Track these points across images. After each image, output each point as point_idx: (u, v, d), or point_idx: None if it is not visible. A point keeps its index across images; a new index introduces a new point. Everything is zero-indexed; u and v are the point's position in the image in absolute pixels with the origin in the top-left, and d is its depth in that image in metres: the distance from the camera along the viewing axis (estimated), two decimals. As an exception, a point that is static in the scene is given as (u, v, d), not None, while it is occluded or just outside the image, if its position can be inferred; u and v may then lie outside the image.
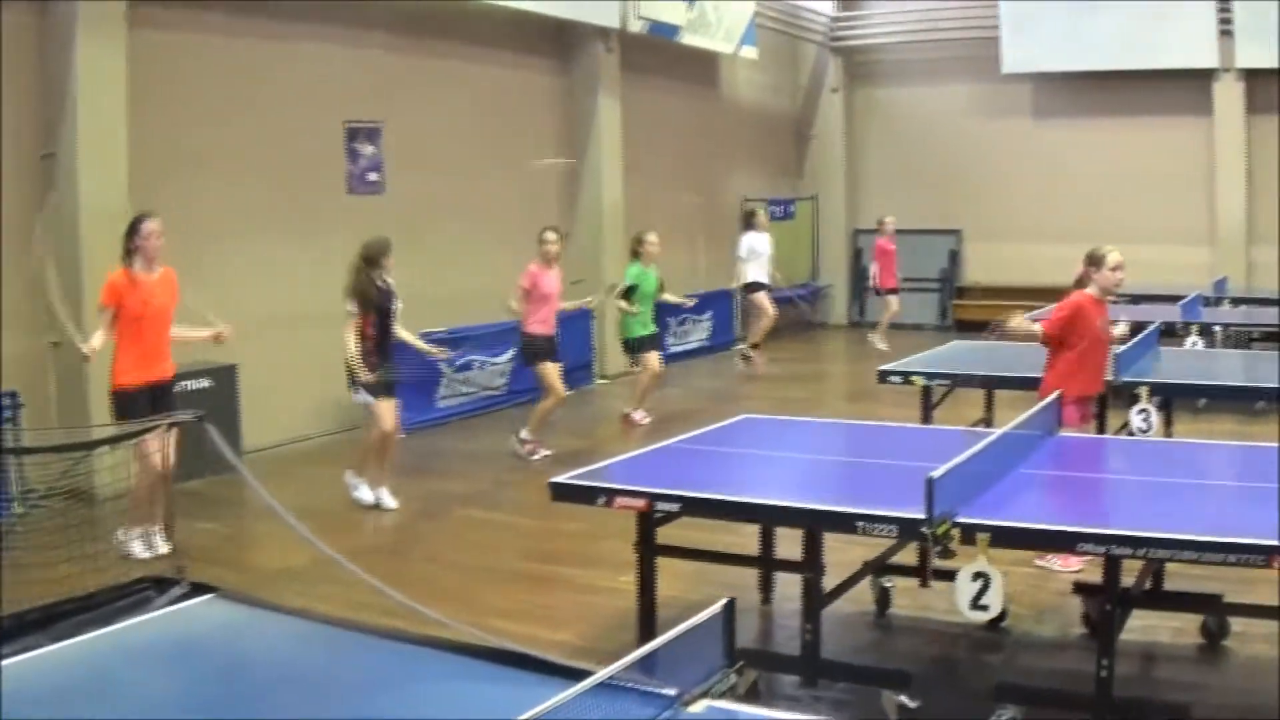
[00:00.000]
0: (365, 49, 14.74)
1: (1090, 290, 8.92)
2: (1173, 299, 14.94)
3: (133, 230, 9.31)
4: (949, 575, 7.47)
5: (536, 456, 12.92)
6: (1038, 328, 8.97)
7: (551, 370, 13.09)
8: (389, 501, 11.05)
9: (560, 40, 18.26)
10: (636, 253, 14.69)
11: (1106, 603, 5.81)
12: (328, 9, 14.11)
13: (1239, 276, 20.98)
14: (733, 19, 21.01)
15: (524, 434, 13.03)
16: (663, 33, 19.17)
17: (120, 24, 11.49)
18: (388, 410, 10.90)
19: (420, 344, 11.62)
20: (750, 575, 8.24)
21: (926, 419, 10.79)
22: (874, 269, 21.51)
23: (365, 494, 11.09)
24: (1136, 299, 15.01)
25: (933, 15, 24.35)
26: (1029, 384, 11.58)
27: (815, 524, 6.12)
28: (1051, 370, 8.92)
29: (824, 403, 17.21)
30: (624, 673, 3.58)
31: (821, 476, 7.28)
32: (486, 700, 4.10)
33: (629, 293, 14.46)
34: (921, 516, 5.44)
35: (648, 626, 6.67)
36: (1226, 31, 21.78)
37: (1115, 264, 8.87)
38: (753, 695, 5.94)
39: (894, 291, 21.33)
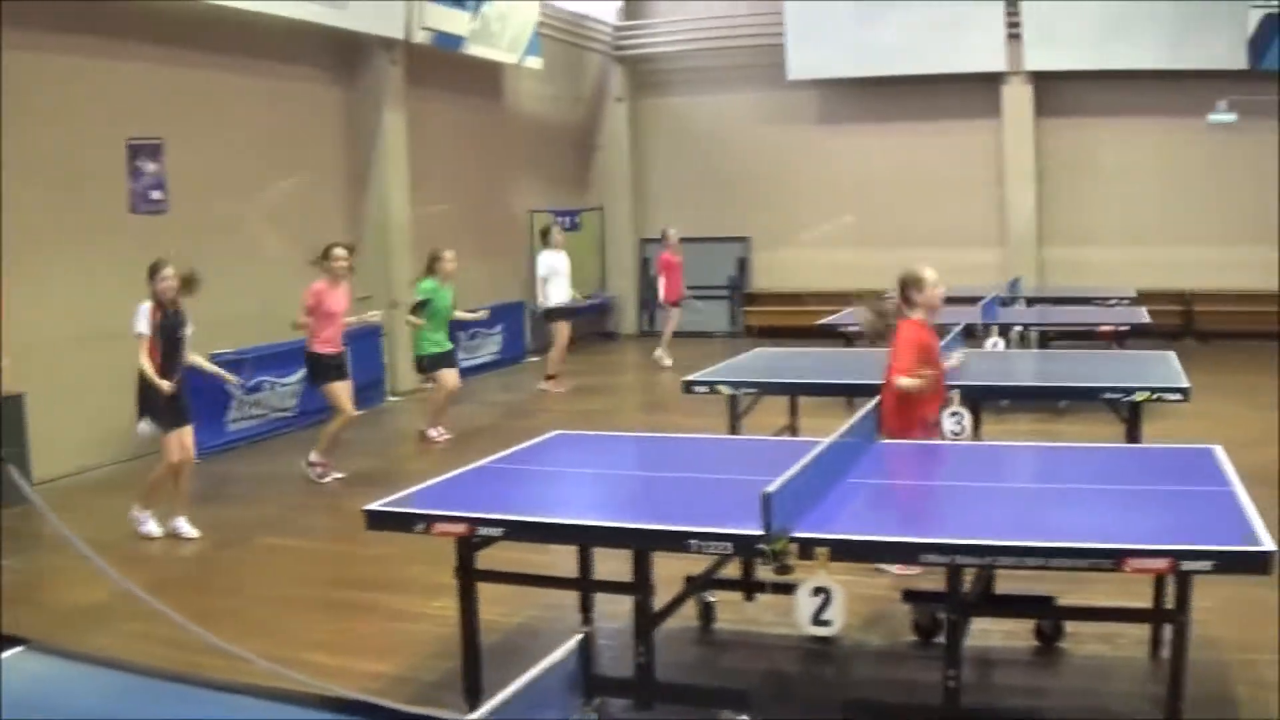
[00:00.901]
0: (146, 63, 14.19)
1: (917, 315, 8.69)
2: (970, 300, 15.09)
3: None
4: (761, 587, 7.47)
5: (327, 479, 12.55)
6: (906, 382, 8.46)
7: (339, 389, 12.71)
8: (188, 530, 10.57)
9: (344, 53, 17.81)
10: (432, 269, 14.40)
11: (952, 612, 5.71)
12: (98, 19, 13.48)
13: (1031, 276, 21.41)
14: (516, 29, 20.78)
15: (313, 456, 12.65)
16: (447, 44, 18.85)
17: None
18: (177, 441, 10.44)
19: (210, 366, 11.20)
20: (567, 595, 8.04)
21: (734, 428, 10.67)
22: (660, 282, 21.31)
23: (153, 527, 10.58)
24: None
25: (717, 23, 24.47)
26: (833, 390, 11.76)
27: (648, 544, 5.89)
28: (891, 395, 8.63)
29: (623, 414, 17.14)
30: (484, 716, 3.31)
31: (645, 493, 7.07)
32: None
33: (419, 308, 14.15)
34: (758, 533, 5.26)
35: (472, 655, 6.41)
36: (1015, 35, 22.26)
37: (935, 281, 8.68)
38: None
39: (677, 304, 21.21)
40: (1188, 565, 4.99)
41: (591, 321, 24.19)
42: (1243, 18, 20.85)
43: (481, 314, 16.31)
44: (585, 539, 6.48)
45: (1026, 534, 5.39)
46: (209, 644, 5.64)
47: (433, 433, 14.57)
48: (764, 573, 5.66)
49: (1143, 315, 15.55)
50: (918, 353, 8.53)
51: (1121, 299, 17.79)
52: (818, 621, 5.46)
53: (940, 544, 5.28)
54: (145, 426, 10.40)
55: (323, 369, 12.68)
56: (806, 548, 5.30)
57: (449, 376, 14.52)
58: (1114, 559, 5.02)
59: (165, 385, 10.21)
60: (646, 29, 25.52)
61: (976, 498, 6.54)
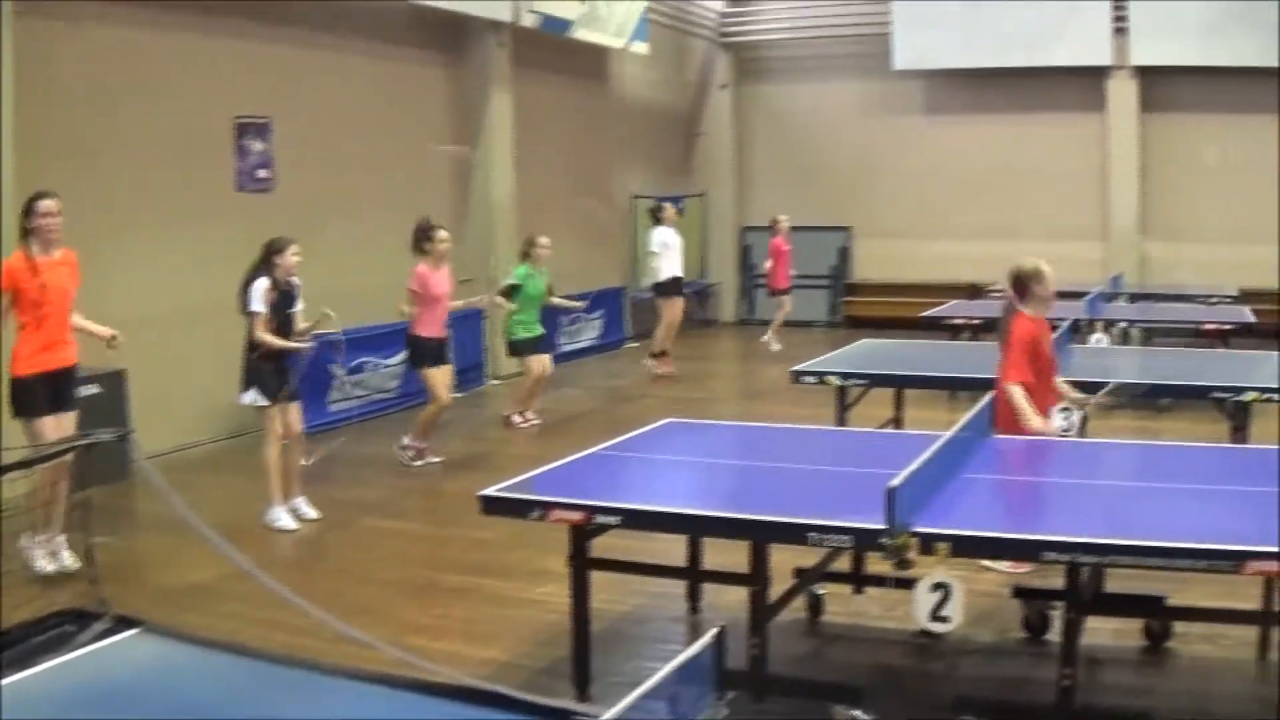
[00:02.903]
0: (253, 41, 14.28)
1: (1030, 309, 8.47)
2: (1074, 295, 14.90)
3: (28, 210, 8.75)
4: (878, 580, 7.40)
5: (420, 463, 12.55)
6: (1018, 393, 8.18)
7: (437, 375, 12.63)
8: (308, 511, 10.61)
9: (452, 34, 17.86)
10: (527, 254, 14.43)
11: (1070, 610, 5.63)
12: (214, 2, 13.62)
13: (1132, 272, 21.14)
14: (624, 14, 20.77)
15: (406, 440, 12.66)
16: (555, 28, 18.88)
17: (4, 12, 10.95)
18: (281, 416, 10.46)
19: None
20: (672, 585, 8.03)
21: (842, 420, 10.59)
22: (770, 268, 21.19)
23: (286, 520, 10.47)
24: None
25: (823, 11, 24.33)
26: (941, 384, 11.66)
27: (765, 536, 5.85)
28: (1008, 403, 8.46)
29: (727, 402, 17.10)
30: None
31: (760, 483, 7.01)
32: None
33: (511, 292, 14.17)
34: (880, 527, 5.21)
35: (582, 643, 6.40)
36: (1121, 29, 21.96)
37: (1049, 275, 8.47)
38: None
39: (786, 292, 21.13)
40: (1306, 568, 4.91)
41: (692, 308, 24.12)
42: (1352, 15, 20.45)
43: (580, 304, 16.27)
44: (703, 529, 6.45)
45: (1143, 533, 5.32)
46: (321, 622, 5.63)
47: (517, 418, 14.57)
48: (882, 566, 5.60)
49: (1247, 314, 15.30)
50: (1031, 349, 8.37)
51: (1224, 297, 17.53)
52: (936, 618, 5.41)
53: (1061, 542, 5.20)
54: (252, 395, 10.38)
55: (423, 353, 12.62)
56: (928, 543, 5.25)
57: (538, 362, 14.52)
58: (1234, 560, 4.93)
59: (302, 346, 10.32)
60: (752, 16, 25.40)
61: (1092, 495, 6.45)
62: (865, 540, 5.44)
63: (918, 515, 5.42)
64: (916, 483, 5.53)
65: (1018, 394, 8.15)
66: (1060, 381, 8.70)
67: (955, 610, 5.39)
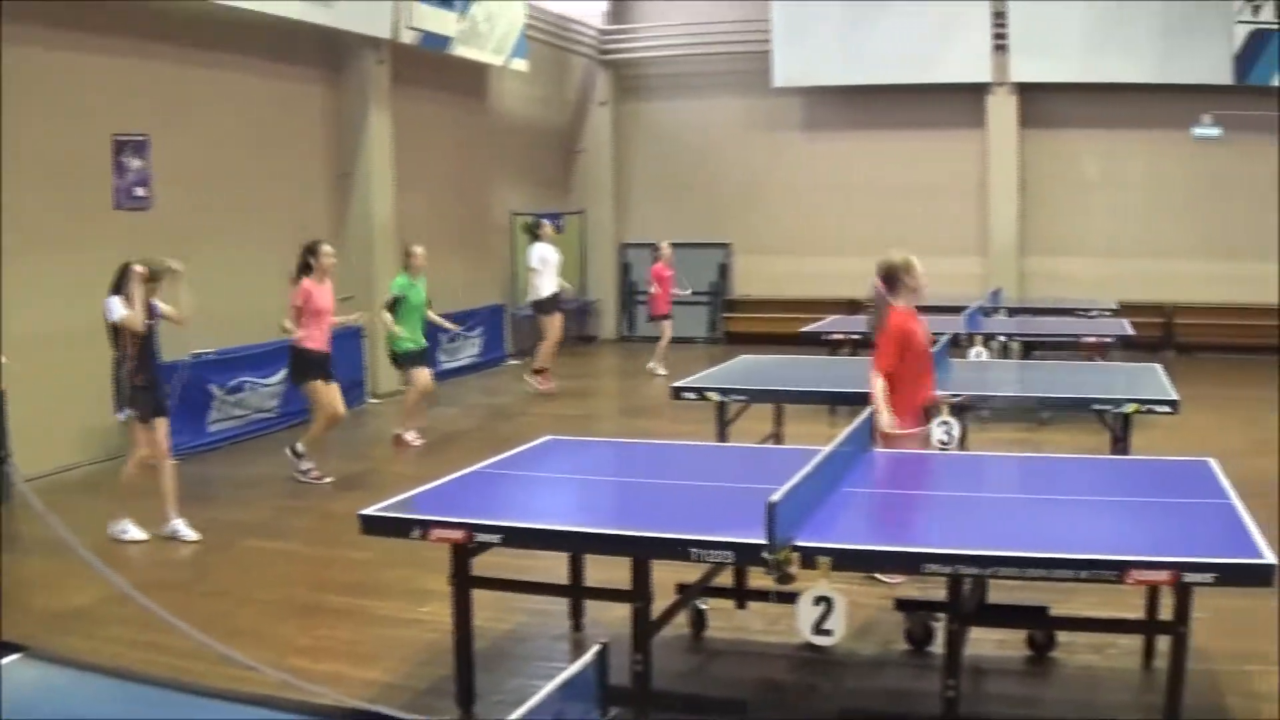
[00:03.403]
0: (132, 58, 14.07)
1: (902, 302, 8.67)
2: (953, 310, 15.10)
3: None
4: (761, 595, 7.45)
5: (323, 480, 12.44)
6: (879, 383, 8.46)
7: (323, 389, 12.56)
8: (187, 534, 10.47)
9: (331, 51, 17.73)
10: (403, 265, 14.34)
11: (953, 622, 5.68)
12: (86, 14, 13.38)
13: (1011, 287, 21.45)
14: (503, 30, 20.69)
15: (304, 463, 12.54)
16: (434, 44, 18.77)
17: None
18: (148, 433, 10.36)
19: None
20: (554, 602, 8.01)
21: (722, 436, 10.63)
22: (653, 294, 21.02)
23: (135, 531, 10.42)
24: (919, 310, 15.18)
25: (703, 29, 24.35)
26: (820, 399, 11.78)
27: (647, 552, 5.84)
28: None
29: (606, 419, 17.11)
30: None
31: (643, 500, 7.01)
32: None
33: (395, 305, 14.07)
34: (761, 542, 5.22)
35: (465, 662, 6.36)
36: (1001, 46, 22.28)
37: (918, 266, 8.69)
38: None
39: (668, 317, 20.85)
40: (1190, 577, 5.02)
41: (572, 325, 24.06)
42: (1229, 33, 20.92)
43: (456, 326, 16.04)
44: (586, 546, 6.46)
45: (1026, 544, 5.39)
46: (202, 646, 5.56)
47: (408, 436, 14.47)
48: (765, 581, 5.62)
49: (1126, 327, 15.59)
50: (903, 340, 8.54)
51: (1103, 310, 17.85)
52: (819, 631, 5.44)
53: (943, 554, 5.27)
54: (126, 413, 10.29)
55: (307, 365, 12.50)
56: (809, 557, 5.28)
57: (421, 376, 14.42)
58: (1117, 570, 5.03)
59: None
60: (632, 33, 25.43)
61: (974, 507, 6.56)
62: (746, 555, 5.46)
63: (799, 529, 5.46)
64: (797, 497, 5.55)
65: (878, 387, 8.37)
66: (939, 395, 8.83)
67: (838, 624, 5.42)
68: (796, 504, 5.53)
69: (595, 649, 3.62)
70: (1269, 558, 5.01)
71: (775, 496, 5.26)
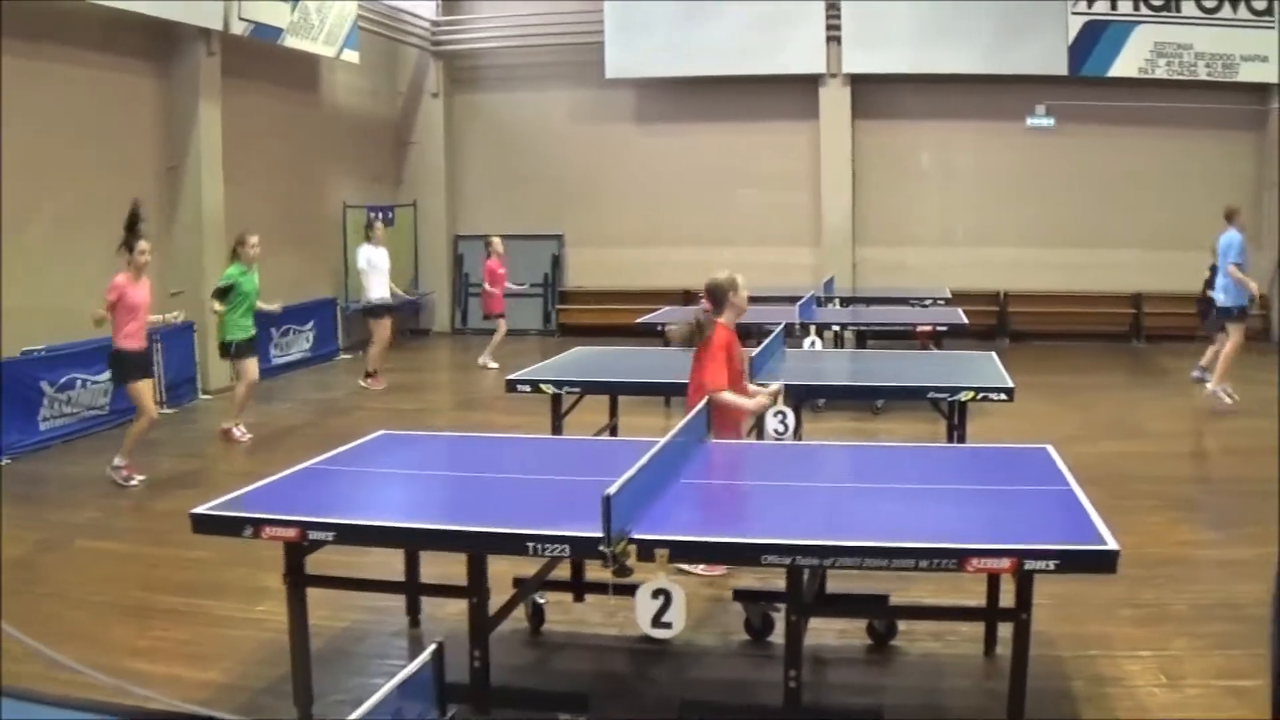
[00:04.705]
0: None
1: (725, 319, 8.82)
2: (787, 300, 15.25)
3: None
4: (600, 588, 7.47)
5: (133, 482, 12.14)
6: (729, 394, 8.49)
7: (144, 389, 12.32)
8: None
9: (161, 42, 17.31)
10: (237, 253, 14.12)
11: (792, 613, 5.72)
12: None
13: (845, 276, 21.73)
14: (335, 22, 20.43)
15: (118, 460, 12.20)
16: (266, 35, 18.47)
17: None
18: None
19: None
20: (391, 599, 7.94)
21: (557, 428, 10.63)
22: (486, 291, 20.82)
23: None
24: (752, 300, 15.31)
25: (535, 20, 24.26)
26: (656, 390, 11.83)
27: (485, 547, 5.81)
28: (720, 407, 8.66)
29: (442, 413, 16.99)
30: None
31: (478, 494, 6.93)
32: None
33: (225, 293, 13.85)
34: (598, 535, 5.22)
35: (302, 661, 6.28)
36: (835, 38, 22.53)
37: (744, 286, 8.85)
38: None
39: (501, 315, 20.59)
40: (1032, 565, 5.08)
41: (404, 319, 23.87)
42: (1063, 24, 21.41)
43: (276, 308, 15.70)
44: (421, 542, 6.40)
45: (866, 534, 5.46)
46: (33, 651, 5.43)
47: (236, 431, 14.23)
48: (601, 573, 5.62)
49: (959, 315, 15.86)
50: (727, 354, 8.66)
51: (936, 299, 18.14)
52: (659, 624, 5.45)
53: (782, 545, 5.31)
54: None
55: (127, 367, 12.19)
56: (647, 549, 5.29)
57: (251, 366, 14.25)
58: (957, 559, 5.09)
59: None
60: (464, 25, 25.24)
61: (811, 497, 6.61)
62: (583, 549, 5.45)
63: (636, 522, 5.46)
64: (634, 490, 5.56)
65: (729, 395, 8.43)
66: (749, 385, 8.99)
67: (678, 616, 5.43)
68: (633, 496, 5.54)
69: (431, 648, 3.60)
70: (1112, 544, 5.11)
71: (611, 489, 5.26)
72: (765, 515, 6.35)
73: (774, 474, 7.37)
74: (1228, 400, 14.99)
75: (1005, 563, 5.11)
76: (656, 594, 5.41)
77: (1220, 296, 15.43)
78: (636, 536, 5.33)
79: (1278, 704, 1.44)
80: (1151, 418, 15.08)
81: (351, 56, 21.41)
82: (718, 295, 8.83)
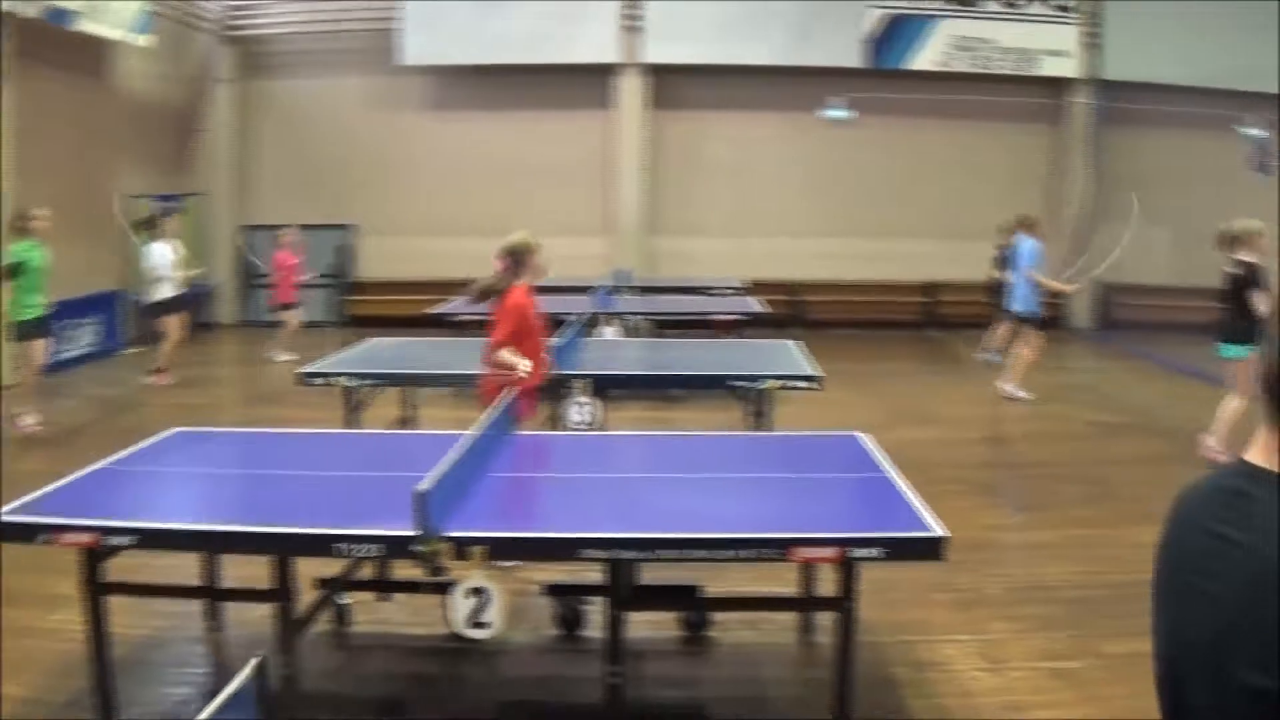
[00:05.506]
0: None
1: (523, 281, 8.81)
2: (580, 290, 15.23)
3: None
4: (410, 586, 7.31)
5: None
6: (505, 355, 8.52)
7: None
8: None
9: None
10: (23, 229, 13.62)
11: (614, 608, 5.64)
12: None
13: (640, 266, 21.80)
14: (126, 5, 19.81)
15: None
16: (58, 19, 17.79)
17: None
18: None
19: None
20: (191, 604, 7.66)
21: (352, 421, 10.40)
22: (276, 283, 20.47)
23: None
24: (547, 290, 15.26)
25: (329, 6, 23.94)
26: (454, 381, 11.66)
27: (294, 549, 5.61)
28: (495, 365, 8.62)
29: (232, 408, 16.65)
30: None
31: (282, 494, 6.68)
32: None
33: (15, 270, 13.35)
34: (411, 533, 5.08)
35: (103, 672, 6.01)
36: (633, 28, 22.64)
37: (540, 248, 8.89)
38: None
39: (293, 306, 20.35)
40: (858, 553, 5.07)
41: (190, 311, 23.27)
42: (862, 17, 21.75)
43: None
44: (228, 546, 6.10)
45: (686, 525, 5.39)
46: None
47: (29, 420, 13.73)
48: (413, 571, 5.49)
49: (756, 305, 16.00)
50: (520, 317, 8.66)
51: (730, 288, 18.26)
52: (475, 624, 5.33)
53: (602, 538, 5.24)
54: None
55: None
56: (462, 547, 5.16)
57: (40, 348, 13.83)
58: (782, 549, 5.05)
59: None
60: (256, 9, 24.67)
61: (629, 489, 6.55)
62: (397, 548, 5.31)
63: (448, 519, 5.32)
64: (445, 485, 5.43)
65: (504, 353, 8.47)
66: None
67: (496, 615, 5.34)
68: (445, 492, 5.41)
69: (253, 663, 3.44)
70: (939, 530, 5.13)
71: (424, 485, 5.12)
72: (582, 508, 6.24)
73: (585, 465, 7.27)
74: (1023, 395, 15.30)
75: (831, 551, 5.10)
76: (473, 593, 5.29)
77: (1018, 306, 15.72)
78: (451, 534, 5.19)
79: (1161, 681, 1.46)
80: (948, 404, 15.41)
81: (143, 40, 20.71)
82: (516, 257, 8.82)
